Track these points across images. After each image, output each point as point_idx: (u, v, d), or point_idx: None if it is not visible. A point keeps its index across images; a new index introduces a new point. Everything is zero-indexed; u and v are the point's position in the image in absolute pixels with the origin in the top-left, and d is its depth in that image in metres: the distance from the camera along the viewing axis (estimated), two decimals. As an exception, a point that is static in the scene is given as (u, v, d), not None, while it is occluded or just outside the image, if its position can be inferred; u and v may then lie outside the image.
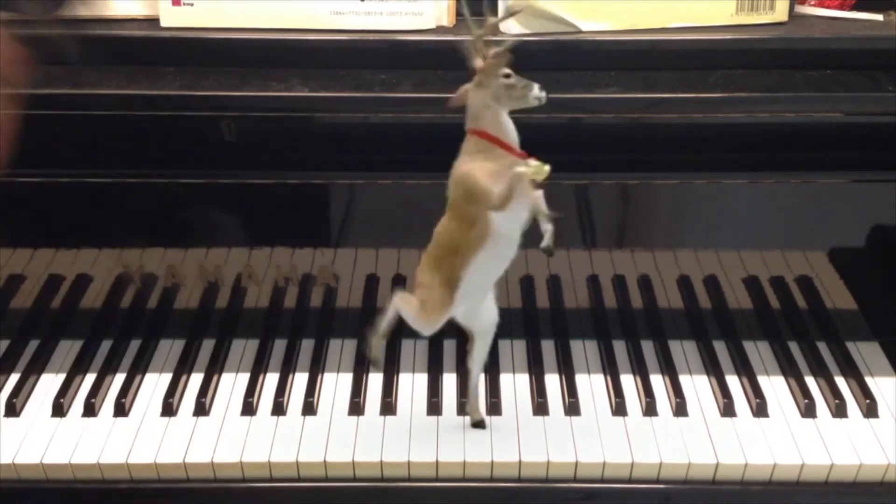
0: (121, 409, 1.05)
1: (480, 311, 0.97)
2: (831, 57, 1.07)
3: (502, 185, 0.85)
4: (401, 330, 1.11)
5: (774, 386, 1.09)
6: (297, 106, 1.01)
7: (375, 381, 1.09)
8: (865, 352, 1.14)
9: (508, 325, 1.14)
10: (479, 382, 1.02)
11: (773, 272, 1.12)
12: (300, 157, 1.07)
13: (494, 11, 1.05)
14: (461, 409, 1.04)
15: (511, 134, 0.88)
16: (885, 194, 1.06)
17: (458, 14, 1.10)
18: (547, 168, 0.85)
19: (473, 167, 0.87)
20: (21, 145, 1.04)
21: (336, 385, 1.09)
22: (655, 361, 1.12)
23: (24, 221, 1.09)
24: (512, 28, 1.05)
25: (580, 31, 1.06)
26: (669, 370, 1.10)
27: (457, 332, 1.14)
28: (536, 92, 0.87)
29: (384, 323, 0.93)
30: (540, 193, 0.88)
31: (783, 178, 1.06)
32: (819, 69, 1.07)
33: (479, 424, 1.02)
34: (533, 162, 0.86)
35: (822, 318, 1.15)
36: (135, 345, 1.15)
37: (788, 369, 1.11)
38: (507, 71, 0.86)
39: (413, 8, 1.06)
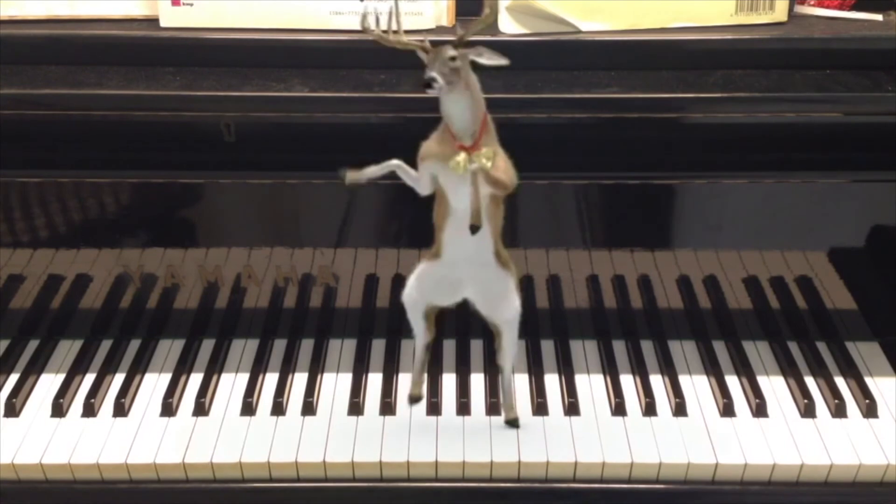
0: (120, 410, 1.05)
1: (501, 304, 0.97)
2: (831, 57, 1.07)
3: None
4: (400, 329, 1.12)
5: (774, 386, 1.09)
6: (297, 106, 1.01)
7: (375, 381, 1.09)
8: (865, 352, 1.14)
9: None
10: (511, 379, 1.01)
11: (773, 272, 1.12)
12: (300, 157, 1.07)
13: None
14: (461, 409, 1.04)
15: (458, 120, 0.87)
16: (885, 194, 1.06)
17: (458, 14, 1.10)
18: (462, 164, 0.86)
19: (425, 143, 0.90)
20: (21, 145, 1.04)
21: (336, 385, 1.09)
22: (655, 361, 1.12)
23: (24, 221, 1.09)
24: (511, 28, 1.05)
25: (580, 31, 1.06)
26: (669, 370, 1.10)
27: (457, 333, 1.15)
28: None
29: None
30: (482, 191, 0.88)
31: (783, 178, 1.06)
32: (819, 69, 1.07)
33: (512, 423, 1.02)
34: (461, 156, 0.86)
35: (821, 318, 1.15)
36: (134, 345, 1.15)
37: (788, 369, 1.11)
38: (452, 53, 0.84)
39: (413, 8, 1.06)
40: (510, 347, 0.99)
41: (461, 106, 0.86)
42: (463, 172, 0.87)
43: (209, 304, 1.14)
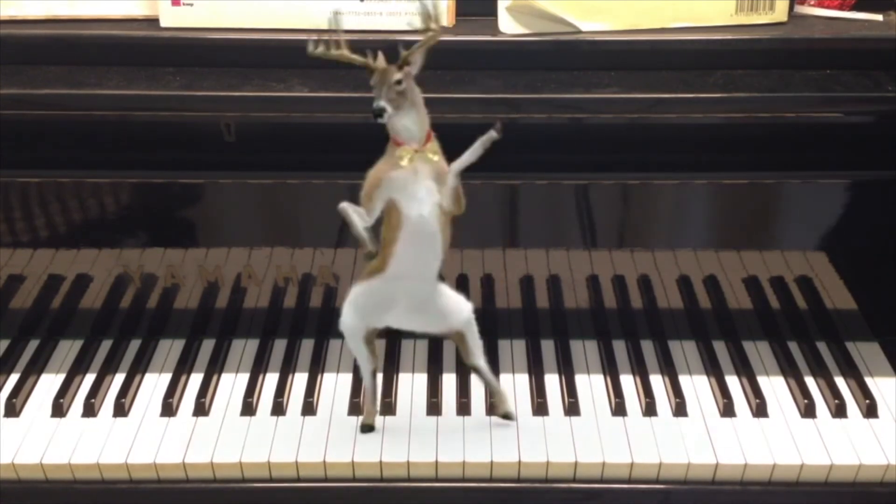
0: (120, 410, 1.05)
1: (449, 310, 0.97)
2: (831, 57, 1.07)
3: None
4: (400, 330, 1.12)
5: (774, 386, 1.09)
6: (297, 106, 1.01)
7: (375, 381, 1.09)
8: (865, 352, 1.14)
9: (508, 325, 1.15)
10: (491, 372, 1.01)
11: (773, 272, 1.12)
12: (300, 157, 1.07)
13: (494, 11, 1.06)
14: (461, 409, 1.04)
15: (405, 133, 0.88)
16: (885, 194, 1.06)
17: (458, 14, 1.10)
18: (407, 157, 0.88)
19: (371, 172, 0.90)
20: (21, 145, 1.04)
21: (336, 385, 1.09)
22: (655, 361, 1.12)
23: (24, 221, 1.09)
24: (511, 28, 1.05)
25: (580, 31, 1.06)
26: (669, 370, 1.10)
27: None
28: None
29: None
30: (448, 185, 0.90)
31: (783, 178, 1.06)
32: (819, 69, 1.07)
33: (508, 416, 1.02)
34: (405, 150, 0.88)
35: (821, 318, 1.15)
36: (135, 345, 1.15)
37: (788, 369, 1.11)
38: (398, 77, 0.86)
39: (413, 8, 1.06)
40: (476, 344, 0.99)
41: (409, 121, 0.88)
42: (407, 164, 0.88)
43: (209, 304, 1.14)
